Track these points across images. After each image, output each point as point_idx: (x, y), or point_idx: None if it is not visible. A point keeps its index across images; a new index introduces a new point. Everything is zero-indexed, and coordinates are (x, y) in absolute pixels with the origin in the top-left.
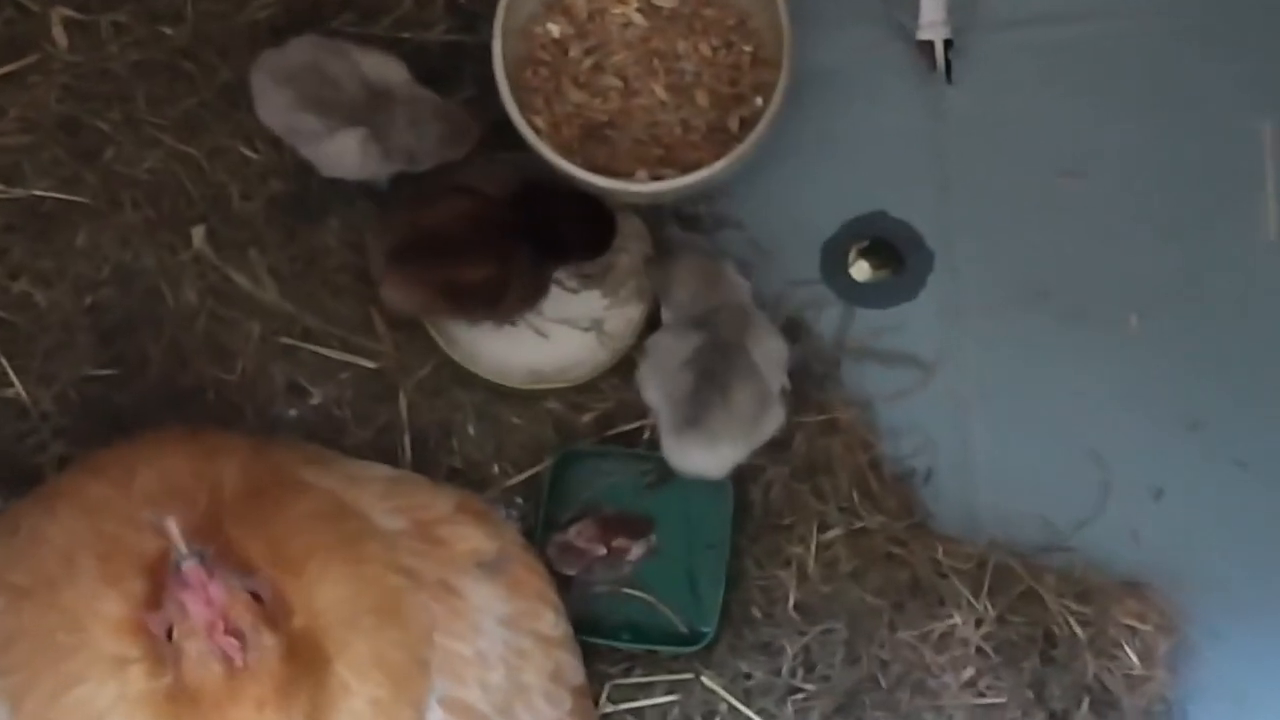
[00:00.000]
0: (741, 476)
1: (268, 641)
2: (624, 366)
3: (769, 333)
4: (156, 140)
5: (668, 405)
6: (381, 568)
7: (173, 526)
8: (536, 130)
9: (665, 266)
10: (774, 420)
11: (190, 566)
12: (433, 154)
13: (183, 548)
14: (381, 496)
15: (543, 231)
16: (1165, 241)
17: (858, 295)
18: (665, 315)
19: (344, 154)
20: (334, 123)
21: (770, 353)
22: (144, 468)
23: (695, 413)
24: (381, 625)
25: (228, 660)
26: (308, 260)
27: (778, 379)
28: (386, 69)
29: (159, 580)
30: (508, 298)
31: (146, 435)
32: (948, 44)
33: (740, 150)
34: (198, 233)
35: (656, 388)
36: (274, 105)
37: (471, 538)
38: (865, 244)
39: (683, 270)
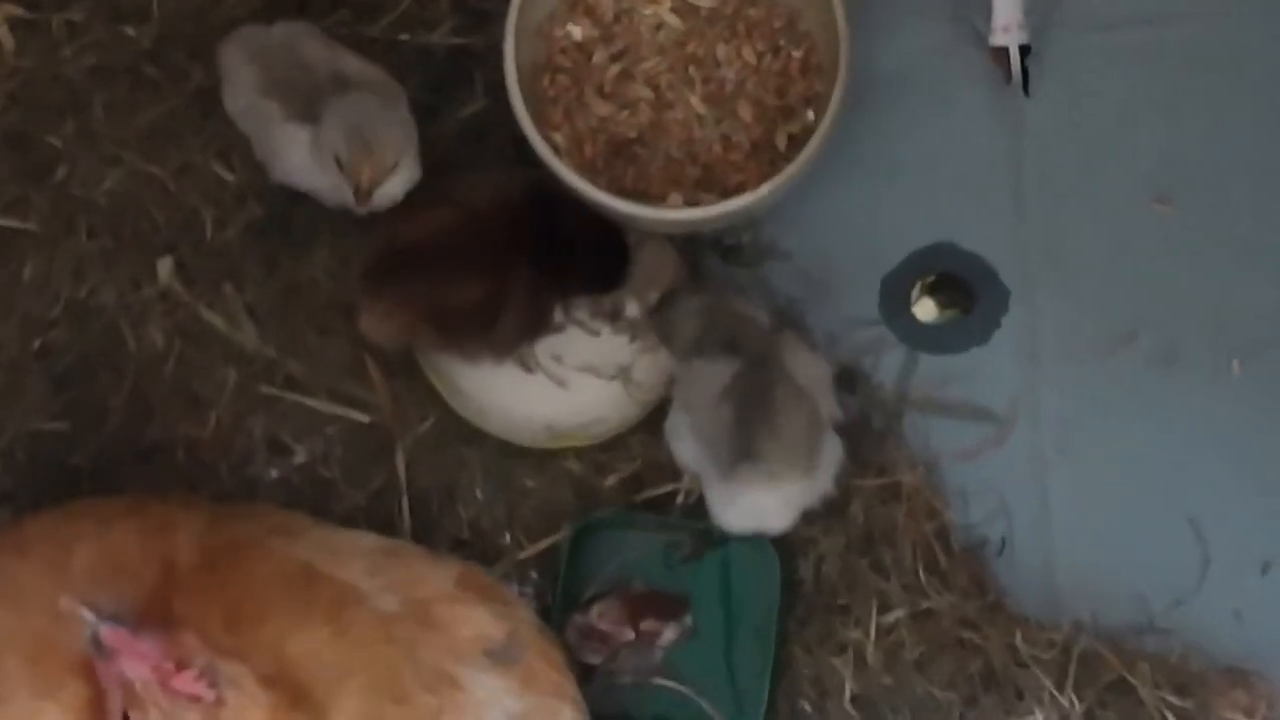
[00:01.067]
0: (790, 549)
1: (235, 670)
2: (654, 421)
3: (808, 353)
4: (116, 157)
5: (709, 449)
6: (370, 631)
7: (77, 605)
8: (555, 148)
9: (663, 312)
10: (832, 452)
11: (109, 631)
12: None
13: (90, 616)
14: (370, 571)
15: (545, 252)
16: (1271, 276)
17: (922, 338)
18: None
19: (290, 148)
20: (291, 111)
21: (814, 375)
22: (82, 546)
23: (744, 445)
24: (376, 691)
25: (199, 700)
26: (291, 297)
27: (827, 403)
28: (371, 73)
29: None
30: (502, 324)
31: (84, 504)
32: (1024, 50)
33: (789, 171)
34: (164, 265)
35: (692, 431)
36: (238, 84)
37: (476, 619)
38: (931, 279)
39: (682, 314)
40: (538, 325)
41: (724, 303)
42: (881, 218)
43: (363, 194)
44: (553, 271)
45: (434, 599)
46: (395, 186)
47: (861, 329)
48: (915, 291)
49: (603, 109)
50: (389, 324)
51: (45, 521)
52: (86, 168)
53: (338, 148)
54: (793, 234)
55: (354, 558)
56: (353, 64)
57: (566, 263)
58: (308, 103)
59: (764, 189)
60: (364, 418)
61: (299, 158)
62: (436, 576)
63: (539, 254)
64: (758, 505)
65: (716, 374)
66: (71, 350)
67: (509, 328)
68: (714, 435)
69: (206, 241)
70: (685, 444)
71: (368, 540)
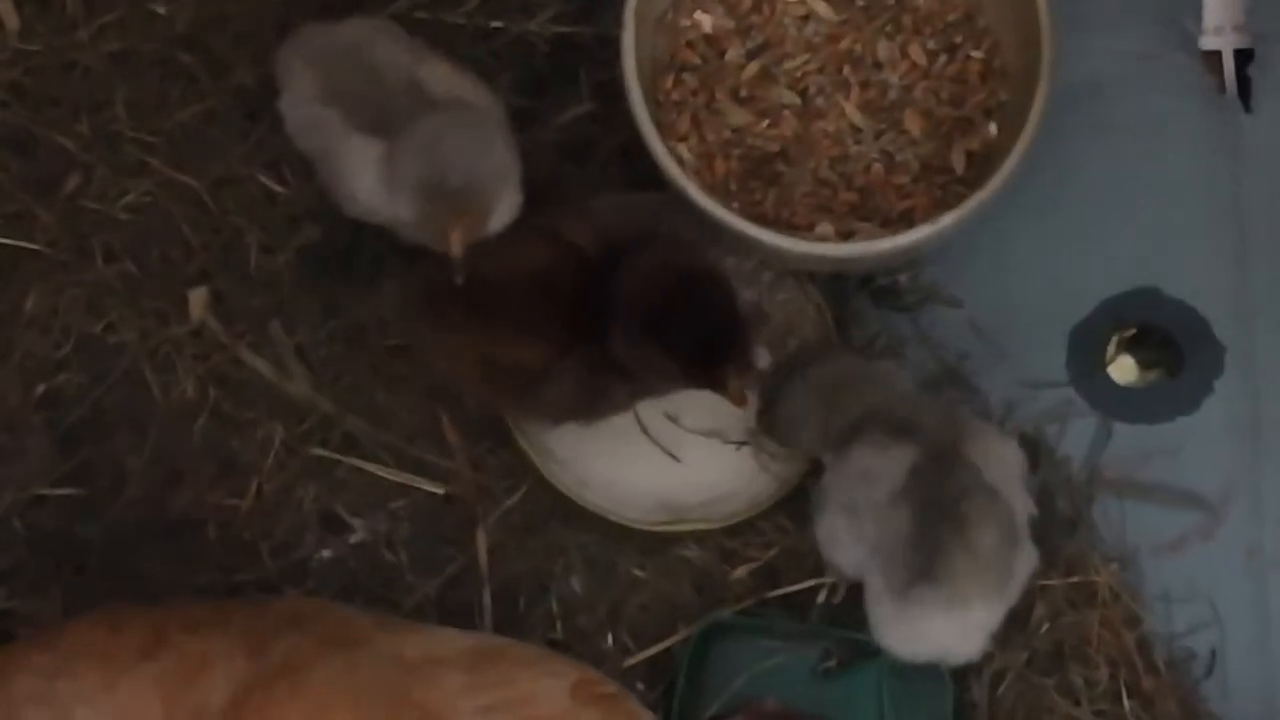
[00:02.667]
0: (959, 667)
1: None
2: (794, 500)
3: (997, 438)
4: (142, 164)
5: (880, 559)
6: None
7: None
8: (679, 161)
9: (780, 395)
10: (1027, 563)
11: None
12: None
13: None
14: (467, 688)
15: (625, 326)
16: None
17: (1118, 404)
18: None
19: (358, 166)
20: (358, 121)
21: (1006, 468)
22: (82, 712)
23: (926, 563)
24: None
25: None
26: (353, 340)
27: (1022, 502)
28: (458, 85)
29: None
30: (546, 395)
31: (83, 631)
32: (1244, 56)
33: (980, 199)
34: (197, 296)
35: (856, 539)
36: (297, 92)
37: None
38: (1130, 333)
39: (824, 384)
40: (590, 407)
41: (881, 370)
42: (1069, 257)
43: (455, 261)
44: (624, 345)
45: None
46: (493, 225)
47: (1044, 392)
48: (1110, 347)
49: (738, 117)
50: (437, 365)
51: (35, 665)
52: (105, 177)
53: (414, 189)
54: (960, 276)
55: (444, 670)
56: (438, 71)
57: (646, 339)
58: (379, 114)
59: (946, 220)
60: (438, 489)
61: (369, 179)
62: (549, 690)
63: (614, 327)
64: (938, 633)
65: (886, 468)
66: (82, 399)
67: (552, 401)
68: (885, 546)
69: (250, 270)
70: (847, 553)
71: (458, 641)
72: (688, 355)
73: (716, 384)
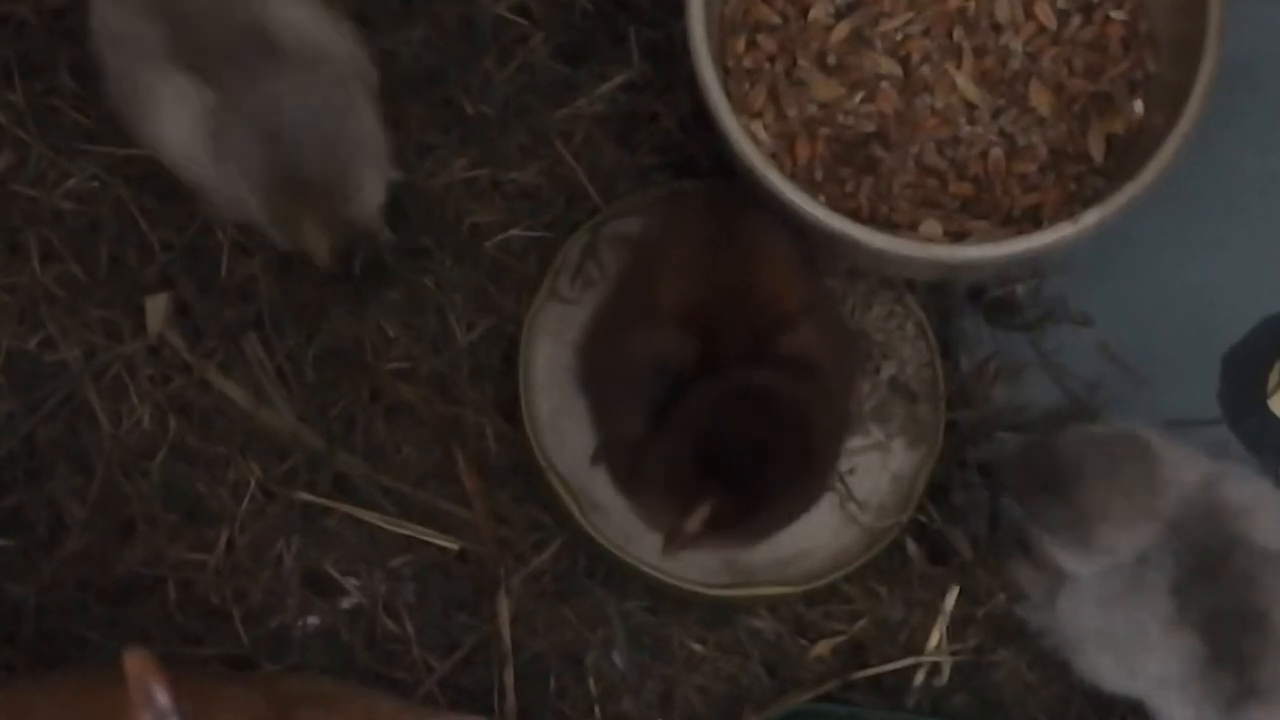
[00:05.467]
0: None
1: None
2: (887, 558)
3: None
4: (88, 142)
5: (1174, 691)
6: None
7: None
8: (755, 140)
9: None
10: None
11: None
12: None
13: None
14: None
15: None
16: None
17: None
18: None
19: (168, 111)
20: (176, 54)
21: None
22: None
23: (1241, 678)
24: None
25: None
26: (346, 360)
27: None
28: (312, 31)
29: None
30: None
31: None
32: None
33: (1129, 193)
34: (155, 305)
35: (1137, 678)
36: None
37: None
38: None
39: (1098, 484)
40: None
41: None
42: (1221, 267)
43: (320, 261)
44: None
45: None
46: (358, 212)
47: (1193, 431)
48: (1274, 376)
49: (825, 90)
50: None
51: None
52: (42, 158)
53: (254, 179)
54: (1090, 288)
55: None
56: (290, 13)
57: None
58: (208, 51)
59: (1089, 218)
60: (451, 544)
61: (183, 126)
62: None
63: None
64: None
65: (1147, 594)
66: (12, 430)
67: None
68: (1175, 675)
69: (220, 274)
70: (1129, 685)
71: None
72: (685, 458)
73: (681, 502)
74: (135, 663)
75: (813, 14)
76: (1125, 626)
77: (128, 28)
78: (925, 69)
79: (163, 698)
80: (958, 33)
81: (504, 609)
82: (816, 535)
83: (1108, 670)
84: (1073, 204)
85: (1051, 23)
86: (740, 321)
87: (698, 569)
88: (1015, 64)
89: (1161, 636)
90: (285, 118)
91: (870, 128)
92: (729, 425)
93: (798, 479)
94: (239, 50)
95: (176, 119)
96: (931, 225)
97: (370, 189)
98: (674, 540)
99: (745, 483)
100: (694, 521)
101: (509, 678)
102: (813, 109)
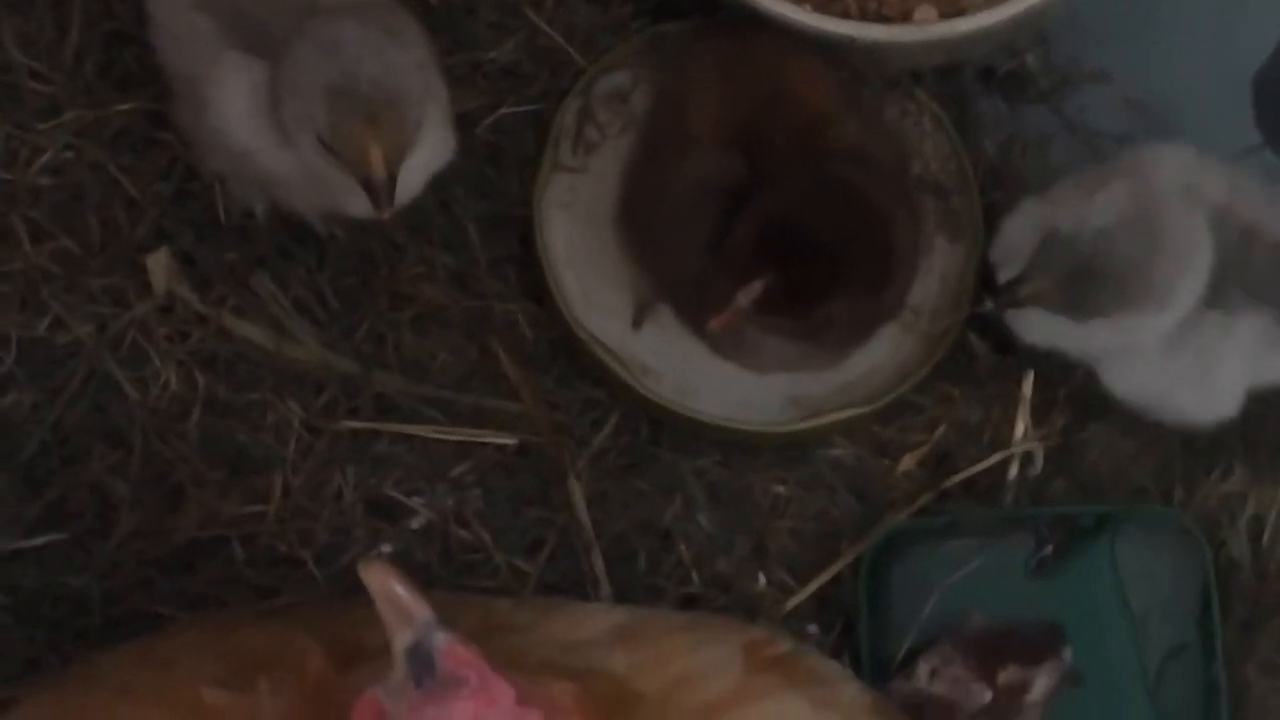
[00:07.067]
0: (1212, 517)
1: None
2: (956, 359)
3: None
4: (53, 111)
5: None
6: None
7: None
8: None
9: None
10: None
11: (447, 641)
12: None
13: (425, 613)
14: (626, 675)
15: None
16: None
17: None
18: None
19: (228, 95)
20: (235, 39)
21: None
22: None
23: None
24: None
25: None
26: (362, 276)
27: None
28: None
29: None
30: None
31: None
32: None
33: None
34: (157, 261)
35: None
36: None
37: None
38: None
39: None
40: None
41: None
42: None
43: (380, 188)
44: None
45: (721, 703)
46: (414, 172)
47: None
48: None
49: None
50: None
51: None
52: (10, 137)
53: (315, 114)
54: (1102, 44)
55: (596, 653)
56: None
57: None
58: (263, 32)
59: None
60: (508, 440)
61: (241, 107)
62: (712, 665)
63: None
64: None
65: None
66: (39, 420)
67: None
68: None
69: (218, 217)
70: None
71: (591, 624)
72: (750, 238)
73: (733, 279)
74: (376, 575)
75: None
76: (1198, 356)
77: (185, 26)
78: None
79: (420, 607)
80: None
81: (577, 495)
82: (876, 352)
83: (1200, 406)
84: None
85: None
86: (779, 132)
87: (762, 410)
88: None
89: (1234, 346)
90: (347, 42)
91: None
92: (798, 215)
93: (877, 273)
94: (289, 23)
95: (235, 96)
96: (926, 10)
97: (434, 118)
98: (719, 316)
99: (810, 269)
100: (743, 296)
101: (598, 563)
102: None
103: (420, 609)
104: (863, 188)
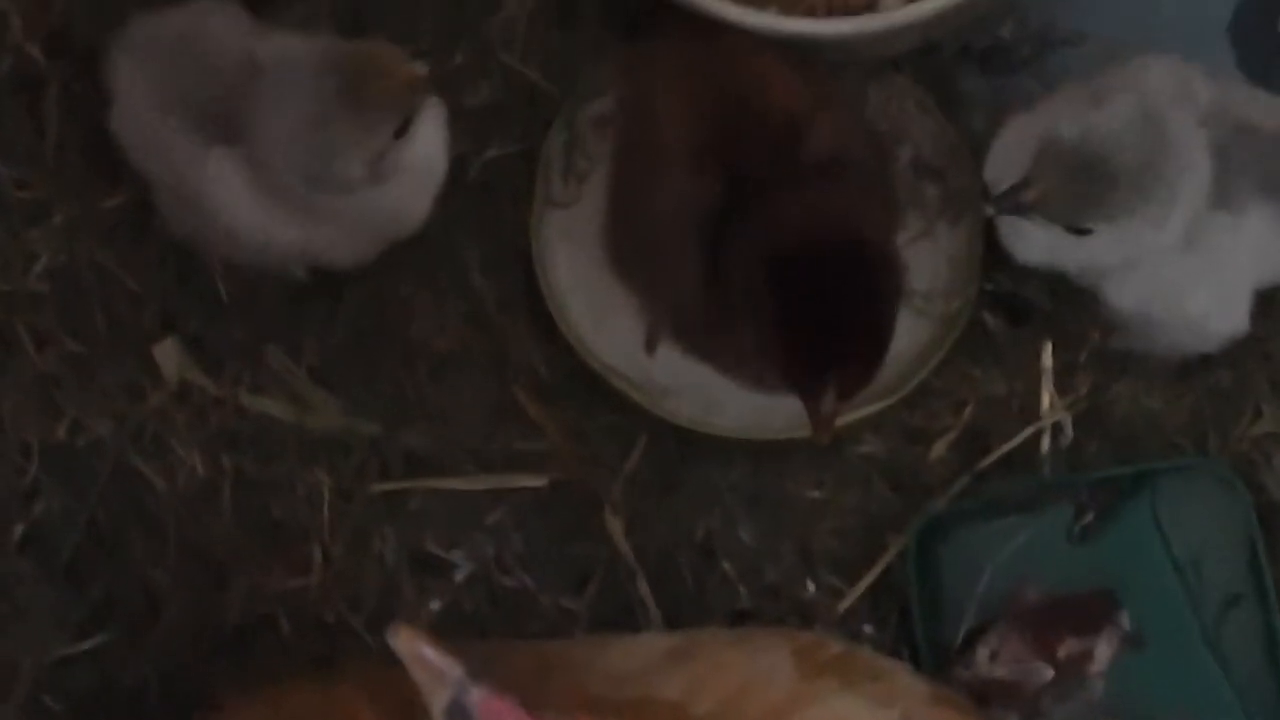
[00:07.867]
0: (1248, 461)
1: None
2: (972, 338)
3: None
4: (41, 214)
5: None
6: None
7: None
8: None
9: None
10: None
11: (483, 696)
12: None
13: (456, 671)
14: (684, 694)
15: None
16: None
17: None
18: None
19: (227, 192)
20: (210, 132)
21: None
22: None
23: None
24: None
25: None
26: (373, 335)
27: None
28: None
29: None
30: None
31: None
32: None
33: None
34: (166, 351)
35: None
36: (130, 108)
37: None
38: None
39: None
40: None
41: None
42: None
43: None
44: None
45: (777, 711)
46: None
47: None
48: None
49: None
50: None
51: None
52: (3, 250)
53: (296, 156)
54: (1075, 3)
55: (654, 680)
56: (278, 44)
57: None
58: (226, 116)
59: None
60: (538, 481)
61: (245, 200)
62: (768, 672)
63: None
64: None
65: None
66: (72, 522)
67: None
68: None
69: (220, 298)
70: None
71: (653, 645)
72: (789, 348)
73: (809, 397)
74: (404, 641)
75: None
76: (1207, 256)
77: (155, 130)
78: None
79: (451, 666)
80: None
81: (615, 526)
82: (893, 343)
83: (1210, 310)
84: None
85: None
86: (753, 137)
87: (786, 416)
88: None
89: (1243, 242)
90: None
91: None
92: (801, 288)
93: (879, 294)
94: (240, 95)
95: (234, 200)
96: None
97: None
98: (821, 428)
99: (848, 338)
100: (826, 404)
101: (644, 589)
102: None
103: (451, 667)
104: (856, 225)
